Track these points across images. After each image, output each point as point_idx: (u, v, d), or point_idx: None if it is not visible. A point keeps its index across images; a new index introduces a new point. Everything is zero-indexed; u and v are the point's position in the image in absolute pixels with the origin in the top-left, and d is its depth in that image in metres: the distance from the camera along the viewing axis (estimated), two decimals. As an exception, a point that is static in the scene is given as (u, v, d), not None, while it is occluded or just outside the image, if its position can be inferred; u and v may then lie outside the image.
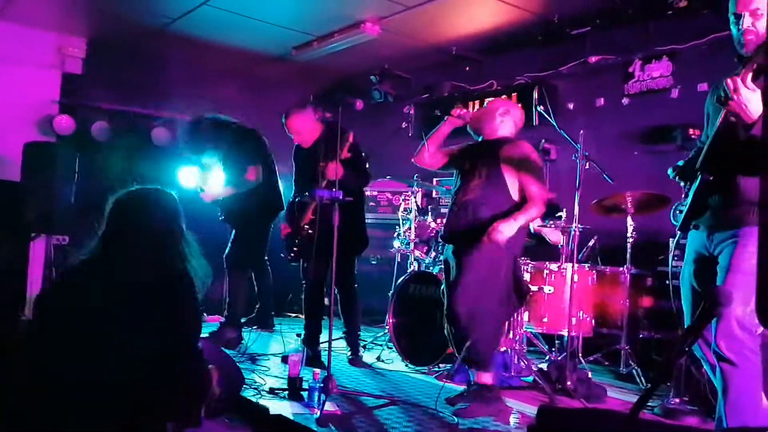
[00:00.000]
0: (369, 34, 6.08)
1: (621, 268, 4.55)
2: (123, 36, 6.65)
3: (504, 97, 6.17)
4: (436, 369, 4.37)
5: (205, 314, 6.66)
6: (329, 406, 3.29)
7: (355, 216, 4.39)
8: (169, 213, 2.36)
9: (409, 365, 4.51)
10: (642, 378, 4.22)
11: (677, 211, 3.65)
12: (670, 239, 4.54)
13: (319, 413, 3.18)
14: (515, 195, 3.49)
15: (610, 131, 5.45)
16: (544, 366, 4.18)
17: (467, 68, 6.74)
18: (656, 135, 5.21)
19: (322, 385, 3.38)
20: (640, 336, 4.63)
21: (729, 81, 2.35)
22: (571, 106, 5.79)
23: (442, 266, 3.78)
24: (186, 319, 2.26)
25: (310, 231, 4.27)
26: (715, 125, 2.56)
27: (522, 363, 4.21)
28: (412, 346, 4.55)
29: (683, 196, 2.82)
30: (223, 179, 5.25)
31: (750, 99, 2.30)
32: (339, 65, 7.35)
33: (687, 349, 1.67)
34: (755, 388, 2.42)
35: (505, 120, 3.65)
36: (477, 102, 6.56)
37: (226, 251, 5.20)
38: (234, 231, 5.22)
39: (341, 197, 3.59)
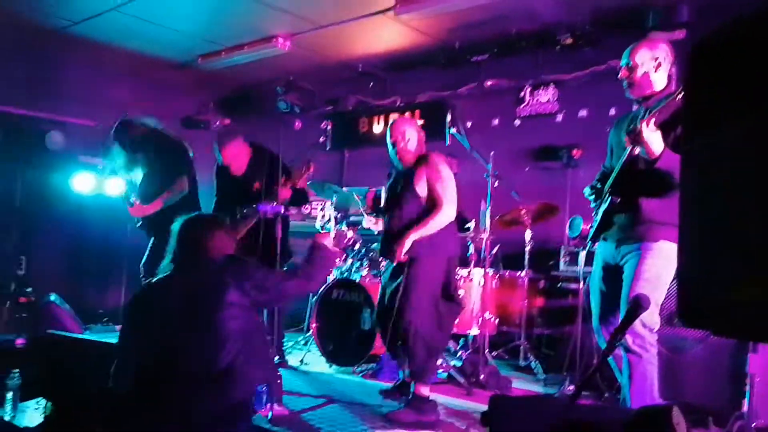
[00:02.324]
0: (280, 49, 6.31)
1: (519, 273, 5.12)
2: (15, 34, 6.39)
3: (395, 118, 6.64)
4: (359, 369, 4.70)
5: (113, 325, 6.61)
6: (277, 407, 3.54)
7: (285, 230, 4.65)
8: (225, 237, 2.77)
9: (333, 366, 4.82)
10: (540, 369, 4.79)
11: (574, 224, 4.26)
12: (561, 246, 5.19)
13: (270, 414, 3.43)
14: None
15: (504, 148, 5.99)
16: (455, 363, 4.64)
17: (371, 84, 7.14)
18: (544, 153, 5.88)
19: (267, 387, 3.62)
20: (535, 332, 5.24)
21: (634, 127, 2.90)
22: (469, 124, 6.35)
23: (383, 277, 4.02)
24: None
25: (244, 243, 4.41)
26: (622, 157, 3.11)
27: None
28: (336, 348, 4.87)
29: (593, 213, 3.37)
30: (140, 187, 5.24)
31: (652, 139, 2.86)
32: (242, 74, 7.47)
33: (616, 344, 2.12)
34: (653, 374, 2.99)
35: (409, 143, 3.84)
36: (382, 116, 6.98)
37: (144, 259, 5.22)
38: (152, 239, 5.24)
39: (282, 211, 3.86)
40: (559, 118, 5.87)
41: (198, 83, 7.89)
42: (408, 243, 3.64)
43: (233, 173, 4.71)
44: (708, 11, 4.80)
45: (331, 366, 4.84)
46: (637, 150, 3.00)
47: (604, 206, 3.25)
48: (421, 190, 3.74)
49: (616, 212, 3.18)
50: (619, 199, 3.15)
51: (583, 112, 5.73)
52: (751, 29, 1.21)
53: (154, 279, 2.78)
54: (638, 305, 2.06)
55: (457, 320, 4.12)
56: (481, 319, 4.81)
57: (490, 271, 5.11)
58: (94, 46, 6.64)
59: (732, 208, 1.27)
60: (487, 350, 4.75)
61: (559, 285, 5.09)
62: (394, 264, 3.76)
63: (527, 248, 5.07)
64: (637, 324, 2.96)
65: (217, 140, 4.74)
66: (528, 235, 5.05)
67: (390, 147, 3.89)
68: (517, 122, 6.13)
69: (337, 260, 3.53)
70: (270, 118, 7.53)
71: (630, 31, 5.27)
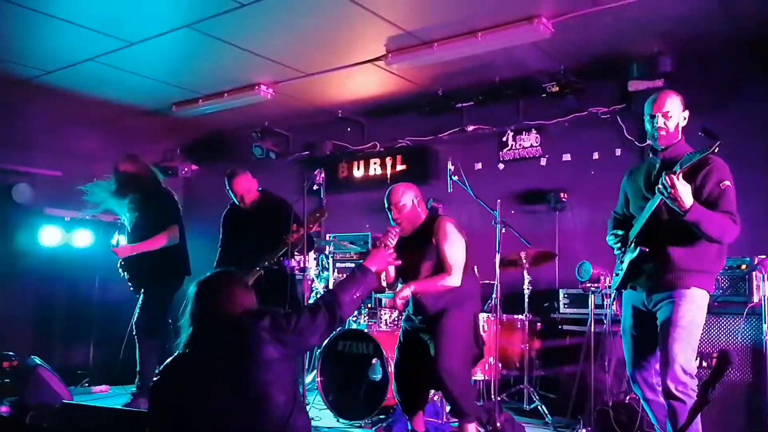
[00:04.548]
0: (262, 97, 6.27)
1: (518, 316, 5.19)
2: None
3: (395, 176, 6.69)
4: (370, 422, 4.63)
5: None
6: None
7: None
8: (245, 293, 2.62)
9: (341, 420, 4.73)
10: (547, 411, 4.83)
11: (583, 269, 4.37)
12: (560, 289, 5.29)
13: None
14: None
15: (488, 192, 6.08)
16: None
17: (348, 129, 7.17)
18: (531, 197, 6.02)
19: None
20: (534, 375, 5.29)
21: (667, 178, 3.02)
22: (452, 168, 6.43)
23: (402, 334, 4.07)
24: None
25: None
26: (647, 207, 3.19)
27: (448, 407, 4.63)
28: (344, 401, 4.78)
29: (618, 261, 3.46)
30: (131, 230, 5.09)
31: (683, 192, 2.98)
32: (213, 120, 7.34)
33: (708, 396, 2.17)
34: (698, 420, 3.07)
35: (420, 203, 3.95)
36: (362, 161, 6.99)
37: (135, 317, 5.02)
38: (143, 295, 5.05)
39: (305, 265, 3.81)
40: (543, 162, 6.03)
41: (166, 129, 7.73)
42: (406, 292, 3.73)
43: (245, 208, 4.63)
44: (687, 61, 5.08)
45: (338, 420, 4.75)
46: (667, 201, 3.10)
47: (631, 255, 3.33)
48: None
49: (645, 261, 3.28)
50: (648, 250, 3.25)
51: (566, 157, 5.91)
52: None
53: (180, 348, 2.63)
54: (726, 360, 2.12)
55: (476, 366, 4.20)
56: (486, 364, 4.83)
57: (491, 316, 5.16)
58: (65, 95, 6.44)
59: None
60: (495, 396, 4.76)
61: (559, 327, 5.17)
62: (418, 322, 3.82)
63: (526, 291, 5.14)
64: (678, 371, 3.05)
65: (226, 177, 4.68)
66: (527, 278, 5.13)
67: (389, 213, 3.92)
68: (501, 166, 6.27)
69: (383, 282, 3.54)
70: (243, 164, 7.43)
71: (611, 80, 5.55)
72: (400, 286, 3.94)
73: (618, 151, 5.60)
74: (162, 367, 2.59)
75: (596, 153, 5.73)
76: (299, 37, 5.22)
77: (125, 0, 4.56)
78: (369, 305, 5.61)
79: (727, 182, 3.13)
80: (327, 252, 6.37)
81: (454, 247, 3.81)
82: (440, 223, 3.87)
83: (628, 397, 4.35)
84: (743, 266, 3.90)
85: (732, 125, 4.79)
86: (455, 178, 4.93)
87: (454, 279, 3.77)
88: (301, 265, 3.93)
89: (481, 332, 4.04)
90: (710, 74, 5.12)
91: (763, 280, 3.88)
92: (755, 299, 3.90)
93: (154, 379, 2.59)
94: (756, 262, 3.91)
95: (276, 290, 4.32)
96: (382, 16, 4.77)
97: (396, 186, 4.01)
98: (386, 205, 3.94)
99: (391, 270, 3.96)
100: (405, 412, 4.01)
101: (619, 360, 4.55)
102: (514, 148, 6.18)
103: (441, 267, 3.81)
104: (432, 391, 4.26)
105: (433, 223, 3.90)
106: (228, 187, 4.63)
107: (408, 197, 3.90)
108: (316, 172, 4.40)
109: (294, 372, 2.68)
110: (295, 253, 4.36)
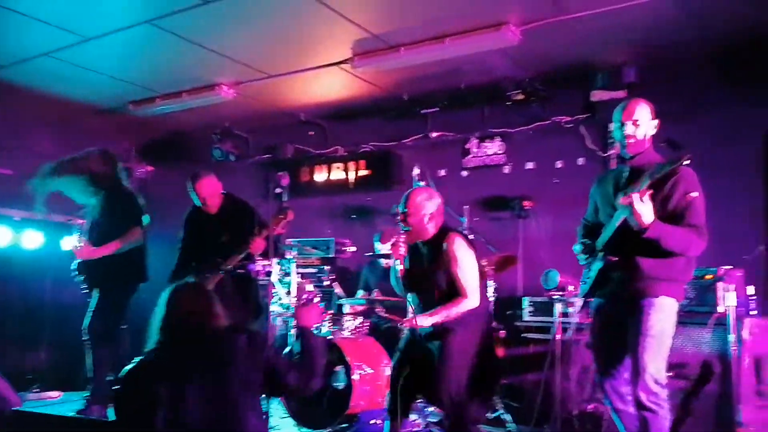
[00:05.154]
0: (223, 97, 6.12)
1: (483, 324, 5.15)
2: None
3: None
4: (332, 430, 4.52)
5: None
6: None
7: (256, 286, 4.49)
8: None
9: (303, 429, 4.61)
10: (511, 419, 4.80)
11: (549, 277, 4.37)
12: (524, 297, 5.28)
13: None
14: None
15: (452, 199, 6.04)
16: (431, 418, 4.57)
17: (311, 133, 7.06)
18: (494, 204, 6.00)
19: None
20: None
21: (623, 199, 3.02)
22: (417, 174, 6.38)
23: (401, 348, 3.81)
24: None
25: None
26: (615, 217, 3.17)
27: (413, 416, 4.56)
28: (306, 409, 4.65)
29: (585, 269, 3.44)
30: (92, 230, 4.90)
31: (643, 211, 2.97)
32: (171, 120, 7.14)
33: (690, 407, 2.16)
34: (668, 428, 3.07)
35: (433, 218, 3.64)
36: (324, 166, 6.89)
37: (88, 321, 4.81)
38: (97, 298, 4.84)
39: (270, 269, 3.70)
40: (507, 169, 6.03)
41: (122, 129, 7.48)
42: (424, 323, 3.51)
43: (208, 211, 4.51)
44: (652, 71, 5.14)
45: (299, 429, 4.63)
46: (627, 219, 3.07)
47: (599, 264, 3.32)
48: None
49: (613, 270, 3.27)
50: (616, 259, 3.23)
51: (530, 165, 5.92)
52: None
53: (147, 354, 2.59)
54: (709, 371, 2.11)
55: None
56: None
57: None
58: (17, 91, 6.18)
59: None
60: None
61: (522, 335, 5.15)
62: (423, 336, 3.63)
63: (490, 299, 5.10)
64: (649, 381, 3.04)
65: (190, 178, 4.55)
66: (491, 285, 5.09)
67: (403, 219, 3.64)
68: (465, 173, 6.25)
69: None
70: (201, 165, 7.24)
71: (576, 90, 5.58)
72: (411, 298, 3.73)
73: (581, 161, 5.64)
74: (126, 373, 2.51)
75: (559, 162, 5.77)
76: (263, 37, 5.11)
77: (82, -8, 4.40)
78: (332, 312, 5.50)
79: (695, 193, 3.13)
80: (289, 257, 6.23)
81: (467, 267, 3.56)
82: (450, 239, 3.59)
83: (592, 405, 4.35)
84: (709, 276, 3.94)
85: (698, 134, 4.84)
86: (422, 183, 4.88)
87: (472, 301, 3.53)
88: (266, 269, 3.81)
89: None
90: (676, 83, 5.12)
91: (729, 291, 3.92)
92: (721, 309, 3.94)
93: (118, 386, 2.52)
94: (722, 273, 3.95)
95: (239, 294, 4.21)
96: (349, 18, 4.70)
97: (417, 190, 3.74)
98: (400, 205, 3.66)
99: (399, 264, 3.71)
100: (389, 414, 3.83)
101: (583, 367, 4.58)
102: (477, 155, 6.17)
103: (455, 288, 3.54)
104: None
105: (444, 236, 3.63)
106: (191, 190, 4.49)
107: (424, 209, 3.60)
108: (279, 175, 4.25)
109: (257, 383, 2.60)
110: (258, 258, 4.26)
